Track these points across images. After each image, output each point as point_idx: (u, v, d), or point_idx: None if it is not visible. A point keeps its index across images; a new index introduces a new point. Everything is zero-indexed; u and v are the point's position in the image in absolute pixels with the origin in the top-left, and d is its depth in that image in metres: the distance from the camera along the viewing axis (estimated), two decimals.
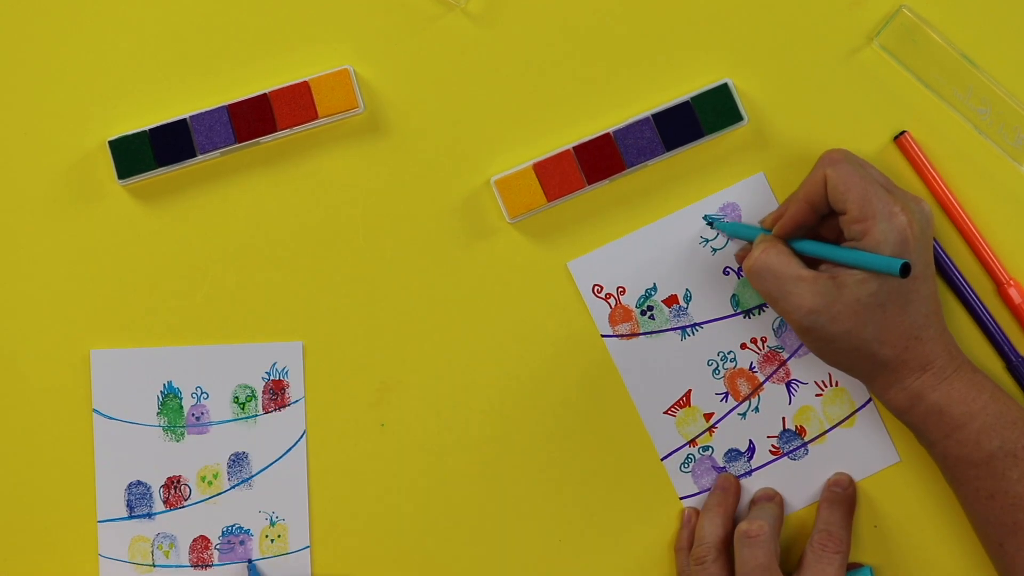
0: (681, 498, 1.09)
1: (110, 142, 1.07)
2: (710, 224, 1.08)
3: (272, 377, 1.09)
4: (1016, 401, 1.02)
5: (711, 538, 1.06)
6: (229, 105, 1.07)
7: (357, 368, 1.09)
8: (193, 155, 1.07)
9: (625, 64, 1.09)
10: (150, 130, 1.07)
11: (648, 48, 1.09)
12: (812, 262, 1.02)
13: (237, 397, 1.10)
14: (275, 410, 1.10)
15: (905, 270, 0.95)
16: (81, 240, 1.08)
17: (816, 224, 1.04)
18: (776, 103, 1.09)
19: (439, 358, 1.09)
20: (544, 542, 1.09)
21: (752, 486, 1.10)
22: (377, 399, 1.09)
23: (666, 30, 1.09)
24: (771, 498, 1.08)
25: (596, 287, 1.10)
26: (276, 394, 1.09)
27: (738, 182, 1.09)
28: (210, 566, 1.10)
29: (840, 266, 0.99)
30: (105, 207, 1.08)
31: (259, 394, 1.10)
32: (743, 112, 1.08)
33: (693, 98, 1.08)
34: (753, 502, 1.09)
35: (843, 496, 1.08)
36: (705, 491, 1.09)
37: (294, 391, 1.09)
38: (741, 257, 1.09)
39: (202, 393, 1.09)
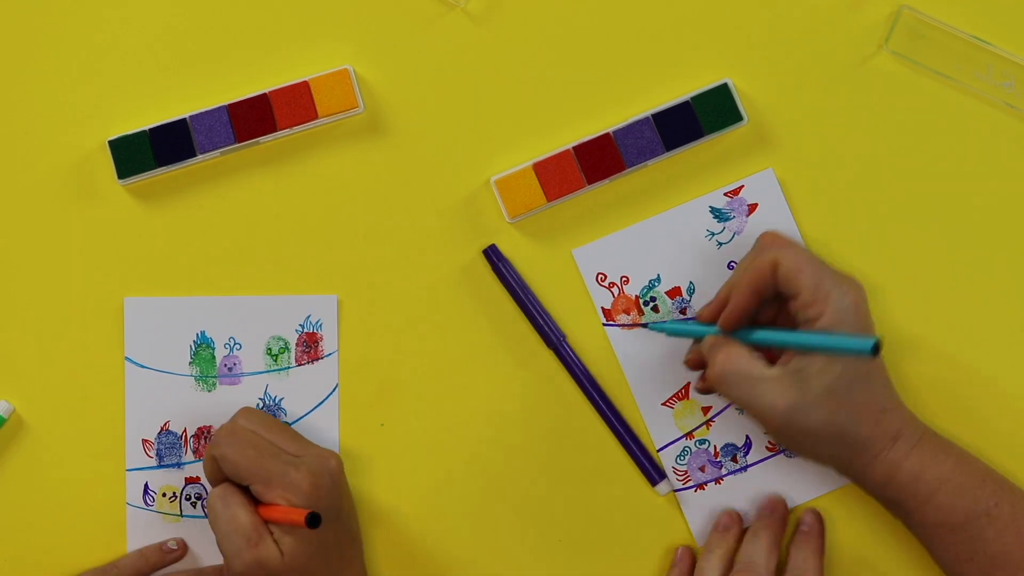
0: (675, 491, 1.10)
1: (110, 142, 1.07)
2: (644, 326, 1.09)
3: (306, 330, 1.10)
4: (979, 459, 1.03)
5: None
6: (229, 105, 1.07)
7: (357, 367, 1.09)
8: (193, 155, 1.07)
9: (625, 64, 1.09)
10: (150, 130, 1.07)
11: (648, 48, 1.09)
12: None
13: (270, 349, 1.10)
14: (308, 363, 1.10)
15: (876, 349, 0.93)
16: (81, 241, 1.09)
17: (756, 311, 1.03)
18: (776, 103, 1.09)
19: (439, 357, 1.09)
20: (544, 540, 1.10)
21: (748, 483, 1.10)
22: (376, 399, 1.09)
23: (666, 30, 1.09)
24: (773, 510, 1.08)
25: (600, 275, 1.10)
26: (309, 347, 1.10)
27: (747, 176, 1.09)
28: None
29: (801, 356, 0.99)
30: (105, 207, 1.09)
31: (292, 346, 1.10)
32: (743, 112, 1.08)
33: (693, 98, 1.08)
34: (757, 512, 1.09)
35: (810, 535, 1.08)
36: (699, 484, 1.10)
37: (327, 344, 1.10)
38: (693, 361, 1.07)
39: (235, 344, 1.09)
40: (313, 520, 0.96)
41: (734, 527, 1.08)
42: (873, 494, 1.03)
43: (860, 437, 1.00)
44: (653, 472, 1.09)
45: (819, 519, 1.08)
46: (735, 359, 1.01)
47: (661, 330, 1.08)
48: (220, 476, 1.02)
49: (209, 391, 1.10)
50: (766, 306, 1.03)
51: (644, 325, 1.09)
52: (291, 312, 1.09)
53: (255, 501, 1.01)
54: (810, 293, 0.98)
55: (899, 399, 1.02)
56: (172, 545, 1.09)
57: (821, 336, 0.98)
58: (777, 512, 1.08)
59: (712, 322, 1.04)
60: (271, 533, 1.00)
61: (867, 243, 1.09)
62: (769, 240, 1.02)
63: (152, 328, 1.09)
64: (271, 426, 1.04)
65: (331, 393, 1.10)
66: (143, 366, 1.09)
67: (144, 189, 1.09)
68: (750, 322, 1.03)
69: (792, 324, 1.01)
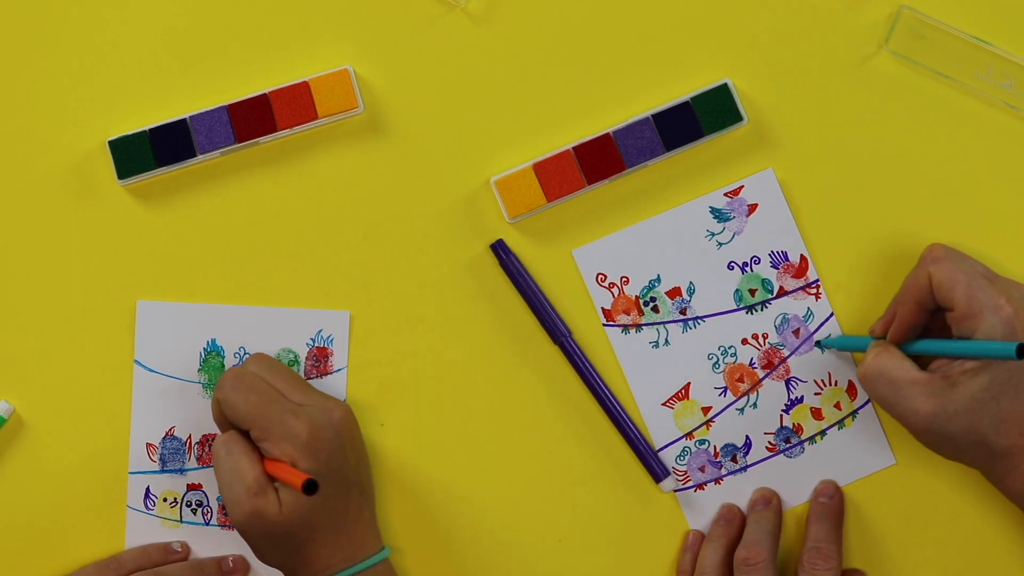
0: (675, 491, 1.10)
1: (110, 142, 1.07)
2: (818, 345, 1.09)
3: (316, 344, 1.10)
4: None
5: (713, 570, 1.07)
6: (229, 105, 1.07)
7: (356, 368, 1.09)
8: (193, 155, 1.07)
9: (625, 64, 1.09)
10: (150, 130, 1.07)
11: (648, 48, 1.09)
12: (923, 363, 1.03)
13: (280, 360, 1.09)
14: (317, 377, 1.10)
15: (1021, 351, 0.95)
16: (81, 241, 1.08)
17: (925, 323, 1.04)
18: (776, 103, 1.09)
19: (439, 357, 1.09)
20: (544, 540, 1.10)
21: (747, 483, 1.10)
22: (377, 399, 1.09)
23: (666, 30, 1.09)
24: (768, 501, 1.09)
25: (600, 276, 1.10)
26: (319, 361, 1.09)
27: (747, 176, 1.09)
28: None
29: (952, 362, 1.00)
30: (105, 207, 1.08)
31: (302, 359, 1.10)
32: (743, 112, 1.08)
33: (693, 98, 1.08)
34: (751, 506, 1.09)
35: (830, 507, 1.08)
36: (699, 484, 1.10)
37: (337, 359, 1.09)
38: None
39: (245, 353, 1.09)
40: (310, 487, 0.96)
41: (735, 519, 1.09)
42: (1013, 501, 1.03)
43: (1000, 447, 1.00)
44: (658, 468, 1.09)
45: (839, 491, 1.09)
46: (884, 360, 1.02)
47: (831, 345, 1.09)
48: (224, 421, 1.04)
49: None
50: (936, 317, 1.04)
51: (817, 342, 1.09)
52: (303, 325, 1.09)
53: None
54: (964, 307, 1.00)
55: None
56: (177, 547, 1.09)
57: (968, 343, 0.99)
58: (773, 503, 1.09)
59: (883, 335, 1.06)
60: (273, 484, 1.01)
61: (867, 243, 1.09)
62: (928, 253, 1.03)
63: (163, 333, 1.09)
64: (280, 373, 1.05)
65: None
66: (152, 370, 1.09)
67: (144, 189, 1.09)
68: (920, 333, 1.04)
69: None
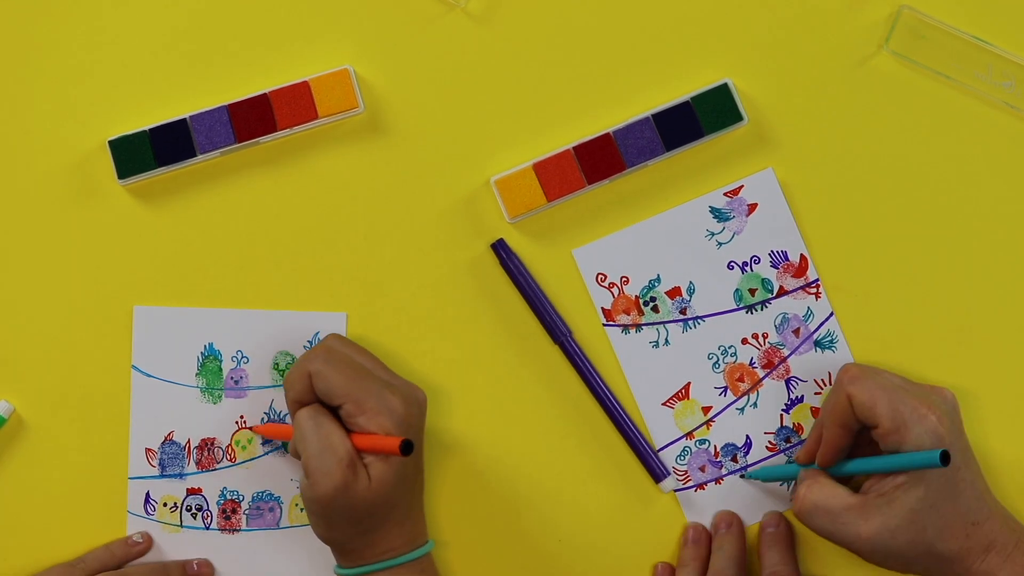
0: (676, 491, 1.10)
1: (110, 142, 1.07)
2: (743, 476, 1.10)
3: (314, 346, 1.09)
4: None
5: None
6: (229, 105, 1.07)
7: None
8: (193, 155, 1.07)
9: (625, 64, 1.09)
10: (150, 130, 1.07)
11: (648, 48, 1.09)
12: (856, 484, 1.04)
13: (277, 364, 1.10)
14: None
15: (945, 458, 0.95)
16: (81, 241, 1.09)
17: (852, 442, 1.04)
18: (776, 103, 1.09)
19: (439, 357, 1.09)
20: (544, 540, 1.10)
21: (747, 483, 1.10)
22: None
23: (666, 30, 1.09)
24: (729, 524, 1.09)
25: (600, 276, 1.10)
26: None
27: (747, 176, 1.10)
28: (238, 531, 1.10)
29: (884, 478, 1.00)
30: (105, 207, 1.09)
31: None
32: (743, 112, 1.08)
33: (693, 98, 1.08)
34: (713, 530, 1.09)
35: (778, 535, 1.08)
36: (699, 484, 1.10)
37: None
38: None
39: (242, 357, 1.09)
40: (407, 447, 0.96)
41: (703, 539, 1.09)
42: None
43: (949, 553, 1.00)
44: (658, 468, 1.09)
45: (783, 519, 1.09)
46: (815, 492, 1.02)
47: (757, 478, 1.09)
48: (308, 395, 1.02)
49: (214, 403, 1.10)
50: (862, 436, 1.04)
51: (741, 474, 1.10)
52: (300, 328, 1.09)
53: (343, 426, 1.01)
54: (888, 423, 1.00)
55: (991, 507, 1.02)
56: (137, 538, 1.08)
57: (893, 458, 0.99)
58: (734, 526, 1.09)
59: (809, 462, 1.06)
60: (362, 459, 0.99)
61: (867, 243, 1.09)
62: (843, 374, 1.03)
63: (160, 337, 1.09)
64: (361, 352, 1.04)
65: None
66: (149, 375, 1.09)
67: (144, 189, 1.09)
68: (848, 454, 1.04)
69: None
